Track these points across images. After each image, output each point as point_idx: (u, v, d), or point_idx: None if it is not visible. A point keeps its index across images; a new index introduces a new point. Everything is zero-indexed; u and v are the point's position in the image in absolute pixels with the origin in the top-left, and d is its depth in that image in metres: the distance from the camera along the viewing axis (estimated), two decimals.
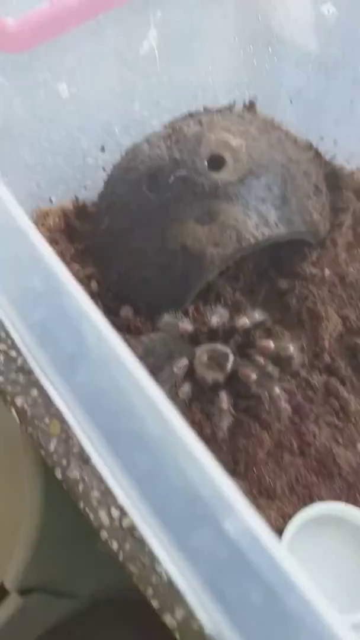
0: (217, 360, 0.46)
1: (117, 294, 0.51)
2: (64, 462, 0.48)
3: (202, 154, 0.48)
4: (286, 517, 0.44)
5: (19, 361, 0.52)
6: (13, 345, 0.53)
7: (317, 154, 0.56)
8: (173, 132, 0.51)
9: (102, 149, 0.57)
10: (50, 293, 0.21)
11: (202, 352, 0.46)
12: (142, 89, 0.57)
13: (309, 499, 0.46)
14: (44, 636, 0.69)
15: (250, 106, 0.57)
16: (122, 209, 0.51)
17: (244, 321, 0.46)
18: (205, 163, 0.48)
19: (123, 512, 0.46)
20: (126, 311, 0.50)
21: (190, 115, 0.54)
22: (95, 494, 0.47)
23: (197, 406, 0.46)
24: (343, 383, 0.49)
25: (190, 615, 0.42)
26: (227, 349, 0.46)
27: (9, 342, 0.53)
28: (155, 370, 0.44)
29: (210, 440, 0.45)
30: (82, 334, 0.20)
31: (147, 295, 0.50)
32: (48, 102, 0.54)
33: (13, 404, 0.50)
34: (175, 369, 0.44)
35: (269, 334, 0.49)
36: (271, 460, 0.46)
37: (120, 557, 0.45)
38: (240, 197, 0.48)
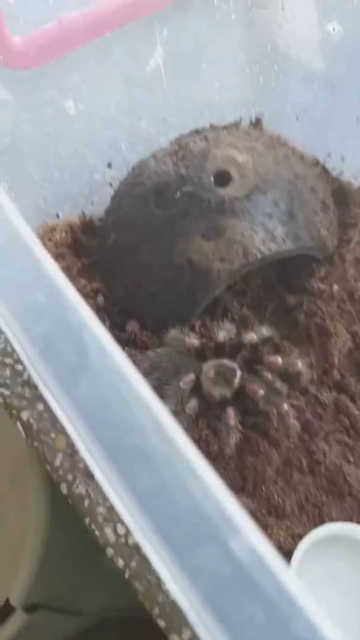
0: (224, 376, 0.45)
1: (123, 309, 0.51)
2: (70, 477, 0.48)
3: (208, 170, 0.48)
4: (296, 537, 0.43)
5: (25, 375, 0.52)
6: (19, 360, 0.53)
7: (324, 170, 0.56)
8: (179, 148, 0.51)
9: (109, 165, 0.57)
10: (54, 307, 0.21)
11: (209, 368, 0.45)
12: (149, 106, 0.58)
13: (319, 518, 0.45)
14: None
15: (257, 123, 0.58)
16: (128, 224, 0.51)
17: (251, 336, 0.46)
18: (212, 179, 0.48)
19: (129, 529, 0.46)
20: (132, 326, 0.50)
21: (197, 131, 0.55)
22: (101, 510, 0.46)
23: (204, 422, 0.46)
24: (353, 400, 0.48)
25: (197, 636, 0.41)
26: (234, 365, 0.45)
27: (15, 356, 0.53)
28: (162, 385, 0.44)
29: (217, 457, 0.45)
30: (85, 347, 0.20)
31: (153, 310, 0.50)
32: (55, 119, 0.54)
33: (19, 418, 0.50)
34: (181, 384, 0.43)
35: (276, 349, 0.48)
36: (280, 478, 0.46)
37: (126, 575, 0.44)
38: (247, 212, 0.47)
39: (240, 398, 0.45)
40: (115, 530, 0.46)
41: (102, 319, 0.48)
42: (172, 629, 0.42)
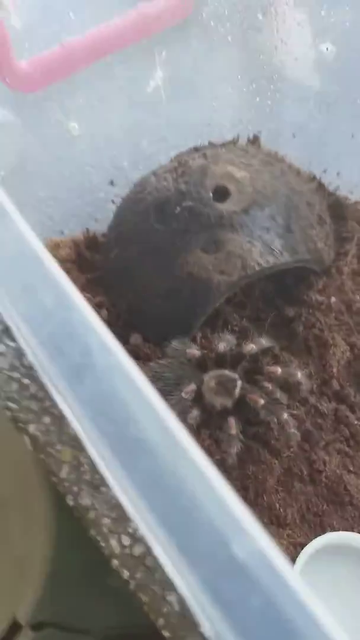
0: (225, 386, 0.46)
1: (126, 322, 0.52)
2: (75, 489, 0.48)
3: (207, 186, 0.50)
4: (297, 546, 0.44)
5: (32, 389, 0.53)
6: (26, 374, 0.54)
7: (320, 185, 0.57)
8: (179, 165, 0.52)
9: (112, 183, 0.59)
10: (60, 309, 0.22)
11: (210, 378, 0.46)
12: (150, 125, 0.59)
13: (320, 527, 0.45)
14: None
15: (254, 140, 0.59)
16: (130, 239, 0.52)
17: (251, 347, 0.47)
18: (210, 194, 0.49)
19: (134, 540, 0.46)
20: (135, 338, 0.51)
21: (196, 149, 0.56)
22: (106, 521, 0.47)
23: (205, 432, 0.46)
24: (352, 410, 0.49)
25: None
26: (235, 375, 0.46)
27: (23, 370, 0.54)
28: (164, 396, 0.44)
29: (219, 466, 0.45)
30: (89, 347, 0.21)
31: (155, 322, 0.51)
32: (59, 140, 0.56)
33: (26, 431, 0.51)
34: (183, 394, 0.44)
35: (276, 360, 0.49)
36: (281, 487, 0.46)
37: (131, 586, 0.45)
38: (245, 226, 0.49)
39: (241, 408, 0.46)
40: (120, 541, 0.47)
41: None
42: (177, 639, 0.43)
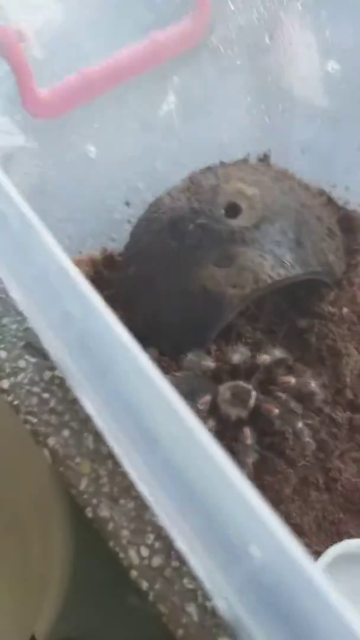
0: (240, 397, 0.47)
1: (142, 336, 0.53)
2: (95, 501, 0.49)
3: (219, 203, 0.51)
4: (314, 555, 0.44)
5: (52, 403, 0.54)
6: (46, 388, 0.55)
7: (330, 200, 0.58)
8: (192, 184, 0.54)
9: (127, 204, 0.61)
10: (86, 316, 0.24)
11: (225, 389, 0.47)
12: (163, 147, 0.61)
13: (337, 536, 0.45)
14: None
15: (264, 158, 0.61)
16: (146, 256, 0.54)
17: (264, 358, 0.48)
18: (222, 211, 0.51)
19: (153, 552, 0.47)
20: (152, 352, 0.52)
21: (208, 168, 0.58)
22: (125, 533, 0.48)
23: (221, 443, 0.47)
24: None
25: None
26: (249, 386, 0.47)
27: (42, 385, 0.55)
28: None
29: None
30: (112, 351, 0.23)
31: (171, 336, 0.52)
32: (77, 163, 0.58)
33: (45, 444, 0.52)
34: (199, 406, 0.45)
35: (290, 371, 0.50)
36: (297, 496, 0.47)
37: (150, 597, 0.45)
38: (256, 241, 0.50)
39: (256, 419, 0.47)
40: (139, 553, 0.47)
41: None
42: None
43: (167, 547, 0.47)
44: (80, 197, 0.61)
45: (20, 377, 0.57)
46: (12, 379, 0.56)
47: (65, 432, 0.53)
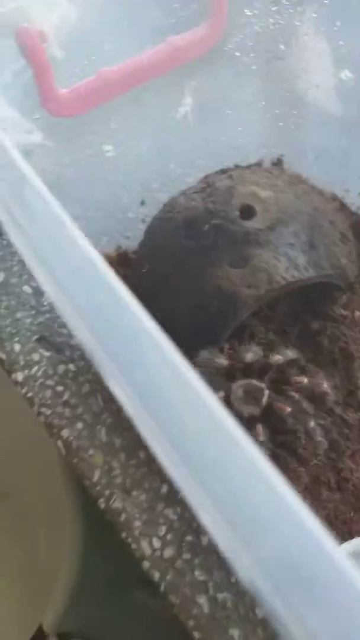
0: (252, 395, 0.48)
1: None
2: (107, 492, 0.50)
3: (233, 205, 0.52)
4: None
5: (65, 396, 0.55)
6: (60, 382, 0.56)
7: (343, 205, 0.60)
8: (207, 186, 0.55)
9: (142, 203, 0.62)
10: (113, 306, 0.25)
11: (238, 387, 0.48)
12: (178, 149, 0.62)
13: (349, 535, 0.46)
14: None
15: (278, 163, 0.62)
16: (161, 255, 0.55)
17: (277, 358, 0.49)
18: (237, 213, 0.52)
19: (165, 543, 0.48)
20: None
21: (223, 171, 0.59)
22: (137, 524, 0.48)
23: None
24: None
25: None
26: (262, 384, 0.48)
27: (56, 378, 0.56)
28: None
29: None
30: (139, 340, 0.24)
31: (185, 334, 0.52)
32: (93, 162, 0.59)
33: (59, 436, 0.53)
34: None
35: (302, 371, 0.51)
36: (309, 495, 0.47)
37: (162, 588, 0.46)
38: (271, 243, 0.51)
39: (269, 417, 0.48)
40: (151, 544, 0.48)
41: None
42: None
43: (179, 539, 0.48)
44: (95, 196, 0.62)
45: (34, 370, 0.57)
46: (26, 371, 0.57)
47: (79, 425, 0.54)
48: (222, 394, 0.47)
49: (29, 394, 0.55)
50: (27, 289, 0.63)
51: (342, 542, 0.45)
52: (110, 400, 0.55)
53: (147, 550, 0.48)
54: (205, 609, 0.45)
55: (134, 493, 0.50)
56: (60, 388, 0.55)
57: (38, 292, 0.63)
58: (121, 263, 0.60)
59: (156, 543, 0.48)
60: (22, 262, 0.66)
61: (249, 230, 0.51)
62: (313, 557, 0.21)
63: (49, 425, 0.54)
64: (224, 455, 0.23)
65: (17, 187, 0.32)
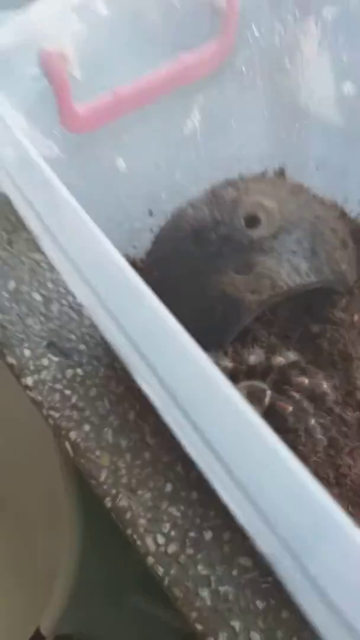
0: (255, 396, 0.50)
1: None
2: (114, 491, 0.52)
3: (239, 215, 0.54)
4: None
5: (73, 399, 0.57)
6: (68, 385, 0.58)
7: (343, 213, 0.62)
8: (213, 197, 0.57)
9: (150, 213, 0.64)
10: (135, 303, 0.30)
11: (241, 388, 0.50)
12: (185, 161, 0.65)
13: None
14: None
15: (281, 173, 0.64)
16: (168, 263, 0.57)
17: (279, 360, 0.51)
18: (243, 222, 0.54)
19: (168, 539, 0.49)
20: None
21: (228, 182, 0.61)
22: (142, 521, 0.50)
23: None
24: None
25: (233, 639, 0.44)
26: (264, 386, 0.50)
27: (65, 382, 0.58)
28: None
29: None
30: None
31: (191, 337, 0.55)
32: (103, 175, 0.62)
33: (67, 438, 0.55)
34: None
35: (303, 372, 0.53)
36: None
37: (166, 582, 0.48)
38: (274, 250, 0.53)
39: (271, 417, 0.50)
40: (155, 540, 0.50)
41: None
42: (209, 633, 0.46)
43: (182, 536, 0.50)
44: (105, 207, 0.64)
45: (43, 374, 0.60)
46: (35, 376, 0.60)
47: (86, 427, 0.56)
48: None
49: (38, 398, 0.58)
50: (37, 296, 0.66)
51: None
52: (116, 403, 0.57)
53: (152, 547, 0.49)
54: (208, 602, 0.46)
55: (139, 492, 0.52)
56: (68, 392, 0.57)
57: (48, 300, 0.66)
58: None
59: (160, 539, 0.50)
60: (32, 271, 0.69)
61: (254, 238, 0.53)
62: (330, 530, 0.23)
63: (58, 428, 0.56)
64: (249, 445, 0.26)
65: (49, 197, 0.36)
